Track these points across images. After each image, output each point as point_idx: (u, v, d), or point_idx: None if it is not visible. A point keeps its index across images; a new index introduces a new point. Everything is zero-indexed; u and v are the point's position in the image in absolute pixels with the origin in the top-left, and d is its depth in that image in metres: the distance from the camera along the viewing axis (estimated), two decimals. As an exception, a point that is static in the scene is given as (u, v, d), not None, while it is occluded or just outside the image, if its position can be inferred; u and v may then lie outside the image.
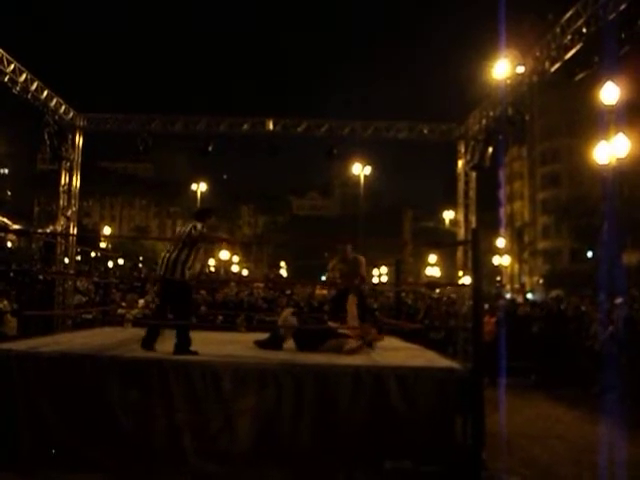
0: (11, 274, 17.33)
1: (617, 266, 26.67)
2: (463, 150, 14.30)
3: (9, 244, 33.99)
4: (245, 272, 64.62)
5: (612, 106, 14.04)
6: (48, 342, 6.72)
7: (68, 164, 14.06)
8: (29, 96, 12.04)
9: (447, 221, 49.38)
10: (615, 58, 8.78)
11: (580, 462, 6.40)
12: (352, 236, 44.02)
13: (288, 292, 17.24)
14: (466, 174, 14.33)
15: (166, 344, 6.28)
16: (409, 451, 5.35)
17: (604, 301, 13.18)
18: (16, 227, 32.11)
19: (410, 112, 54.80)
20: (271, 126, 13.87)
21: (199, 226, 6.66)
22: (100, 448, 5.42)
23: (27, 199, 59.02)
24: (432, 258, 54.57)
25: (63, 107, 13.40)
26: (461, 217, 14.61)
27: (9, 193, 59.80)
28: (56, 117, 13.06)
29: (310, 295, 16.69)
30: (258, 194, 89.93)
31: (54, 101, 12.96)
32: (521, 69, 11.15)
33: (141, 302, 13.14)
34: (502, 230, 44.56)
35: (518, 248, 54.78)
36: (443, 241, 42.72)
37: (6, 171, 64.31)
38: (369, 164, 34.62)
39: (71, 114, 13.79)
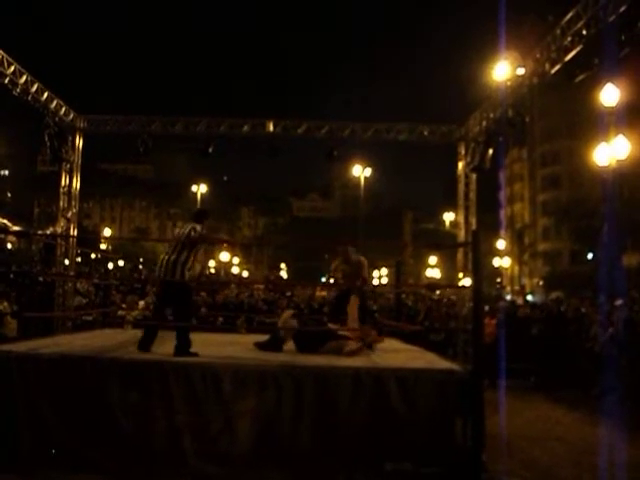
0: (11, 276, 17.32)
1: (617, 268, 26.67)
2: (463, 152, 14.30)
3: (9, 245, 34.01)
4: (245, 274, 64.68)
5: (612, 108, 14.05)
6: (48, 344, 6.71)
7: (68, 165, 14.06)
8: (29, 98, 12.06)
9: (447, 223, 49.33)
10: (615, 60, 8.78)
11: (580, 464, 6.39)
12: (352, 238, 44.08)
13: (288, 294, 17.23)
14: (466, 176, 14.33)
15: (166, 346, 6.28)
16: (409, 453, 5.35)
17: (604, 303, 13.18)
18: (16, 229, 32.09)
19: (410, 113, 54.90)
20: (271, 127, 13.88)
21: (198, 228, 6.66)
22: (100, 449, 5.42)
23: (27, 200, 59.12)
24: (432, 260, 54.58)
25: (63, 109, 13.41)
26: (461, 219, 14.61)
27: (9, 194, 59.87)
28: (56, 119, 13.07)
29: (310, 297, 16.70)
30: (258, 196, 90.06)
31: (54, 103, 12.98)
32: (521, 71, 11.15)
33: (141, 304, 13.13)
34: (502, 232, 44.56)
35: (518, 250, 54.78)
36: (443, 243, 42.60)
37: (6, 172, 64.44)
38: (369, 166, 34.61)
39: (71, 116, 13.81)
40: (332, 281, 9.67)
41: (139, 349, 6.27)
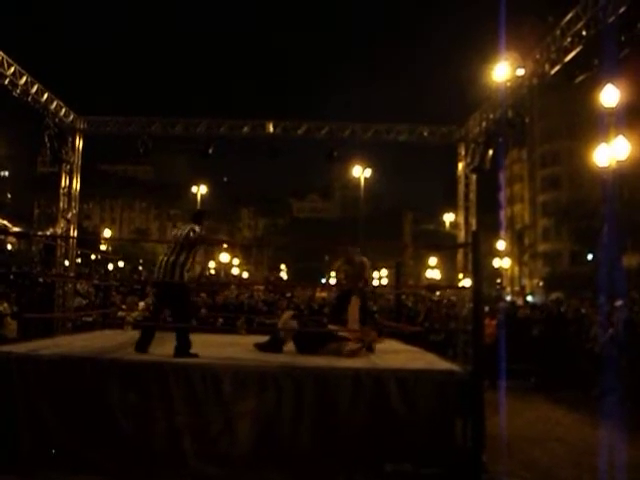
0: (11, 277, 17.32)
1: (617, 269, 26.68)
2: (463, 152, 14.31)
3: (9, 246, 34.03)
4: (245, 275, 64.71)
5: (612, 109, 14.05)
6: (48, 345, 6.71)
7: (68, 167, 14.07)
8: (29, 99, 12.07)
9: (447, 224, 49.28)
10: (615, 61, 8.79)
11: (580, 465, 6.39)
12: (352, 239, 44.06)
13: (288, 295, 17.21)
14: (466, 176, 14.34)
15: (166, 347, 6.28)
16: (409, 454, 5.35)
17: (604, 304, 13.18)
18: (16, 229, 32.08)
19: (410, 114, 54.87)
20: (271, 128, 13.89)
21: (197, 228, 6.65)
22: (100, 450, 5.42)
23: (27, 201, 59.14)
24: (432, 261, 54.57)
25: (63, 110, 13.42)
26: (461, 220, 14.61)
27: (9, 195, 59.88)
28: (56, 120, 13.08)
29: (310, 298, 16.67)
30: (258, 197, 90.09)
31: (54, 104, 12.98)
32: (521, 71, 11.16)
33: (141, 305, 13.10)
34: (502, 233, 44.53)
35: (518, 251, 54.78)
36: (443, 244, 42.72)
37: (6, 173, 64.46)
38: (369, 166, 34.59)
39: (71, 117, 13.81)
40: (334, 281, 9.67)
41: (136, 350, 6.26)
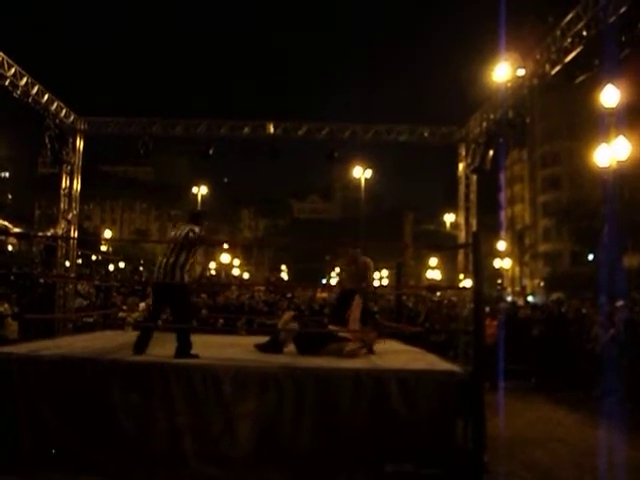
0: (12, 277, 17.33)
1: (618, 269, 26.69)
2: (464, 153, 14.30)
3: (10, 247, 34.03)
4: (246, 275, 64.76)
5: (612, 109, 14.05)
6: (49, 345, 6.71)
7: (69, 167, 14.07)
8: (30, 100, 12.06)
9: (448, 224, 49.29)
10: (615, 61, 8.79)
11: (581, 465, 6.39)
12: (353, 239, 44.05)
13: (289, 295, 17.23)
14: (467, 177, 14.33)
15: (167, 347, 6.28)
16: (410, 454, 5.34)
17: (605, 304, 13.18)
18: (17, 230, 32.11)
19: (410, 115, 54.96)
20: (272, 129, 13.89)
21: (197, 229, 6.64)
22: (101, 451, 5.42)
23: (28, 202, 59.19)
24: (433, 261, 54.60)
25: (64, 111, 13.42)
26: (462, 220, 14.61)
27: (10, 196, 59.91)
28: (57, 121, 13.08)
29: (311, 298, 16.68)
30: (259, 197, 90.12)
31: (55, 105, 12.99)
32: (521, 72, 11.15)
33: (142, 305, 13.10)
34: (503, 233, 44.56)
35: (519, 251, 54.78)
36: (444, 244, 42.62)
37: (7, 174, 64.49)
38: (370, 167, 34.56)
39: (72, 118, 13.82)
40: (337, 280, 9.67)
41: (134, 351, 6.23)
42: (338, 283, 9.69)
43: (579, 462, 6.51)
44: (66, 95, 13.60)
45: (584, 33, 8.95)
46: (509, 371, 10.62)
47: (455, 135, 14.21)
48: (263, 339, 7.13)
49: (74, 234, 14.54)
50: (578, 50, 9.26)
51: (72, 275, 14.19)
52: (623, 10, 7.98)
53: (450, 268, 40.51)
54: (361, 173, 34.37)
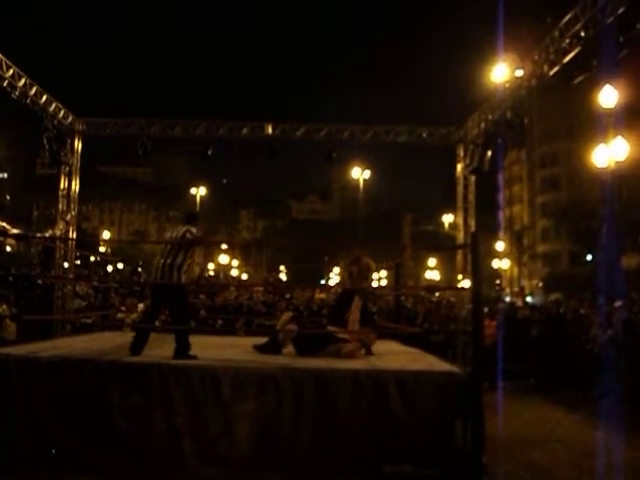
0: (10, 278, 17.31)
1: (616, 269, 26.72)
2: (462, 154, 14.32)
3: (8, 248, 33.96)
4: (244, 276, 64.70)
5: (611, 109, 14.09)
6: (47, 346, 6.70)
7: (67, 168, 14.07)
8: (28, 101, 12.06)
9: (446, 225, 49.38)
10: (613, 61, 8.80)
11: (580, 466, 6.39)
12: (351, 240, 44.04)
13: (287, 296, 17.22)
14: (465, 178, 14.35)
15: (165, 348, 6.27)
16: (409, 455, 5.34)
17: (603, 304, 13.20)
18: (15, 231, 32.07)
19: (409, 115, 54.94)
20: (270, 130, 13.91)
21: (194, 230, 6.63)
22: (100, 452, 5.41)
23: (26, 203, 59.01)
24: (431, 262, 54.52)
25: (62, 111, 13.42)
26: (460, 221, 14.62)
27: (8, 197, 59.78)
28: (55, 122, 13.08)
29: (309, 299, 16.68)
30: (257, 198, 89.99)
31: (53, 106, 12.98)
32: (520, 72, 11.17)
33: (140, 306, 13.09)
34: (501, 233, 44.67)
35: (517, 251, 54.79)
36: (442, 245, 42.74)
37: (5, 175, 64.41)
38: (368, 168, 34.57)
39: (70, 118, 13.81)
40: (338, 280, 9.68)
41: (130, 352, 6.21)
42: (339, 283, 9.67)
43: (578, 462, 6.51)
44: (64, 96, 13.62)
45: (582, 34, 8.97)
46: (508, 371, 10.63)
47: (453, 136, 14.23)
48: (262, 340, 7.13)
49: (72, 235, 14.54)
50: (576, 51, 9.28)
51: (70, 276, 14.19)
52: (621, 11, 8.00)
53: (449, 269, 40.47)
54: (360, 174, 34.39)
